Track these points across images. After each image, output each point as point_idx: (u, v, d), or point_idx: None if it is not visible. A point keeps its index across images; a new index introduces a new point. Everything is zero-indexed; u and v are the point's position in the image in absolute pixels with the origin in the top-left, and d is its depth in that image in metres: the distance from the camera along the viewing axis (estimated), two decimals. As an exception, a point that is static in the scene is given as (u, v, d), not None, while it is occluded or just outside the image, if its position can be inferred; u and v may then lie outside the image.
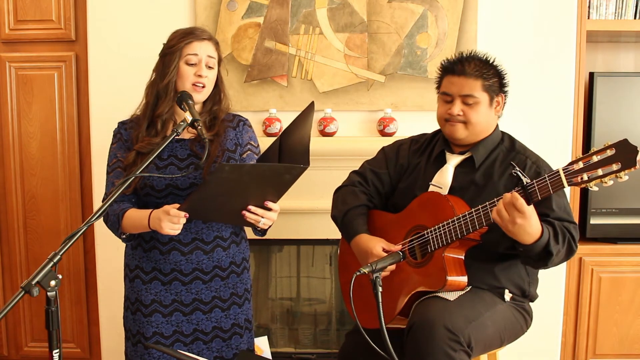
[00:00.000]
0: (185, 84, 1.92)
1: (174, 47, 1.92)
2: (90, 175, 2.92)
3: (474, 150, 1.97)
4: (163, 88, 1.93)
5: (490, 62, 1.96)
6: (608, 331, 2.91)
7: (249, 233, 2.13)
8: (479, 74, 1.91)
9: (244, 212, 1.77)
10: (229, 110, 2.07)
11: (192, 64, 1.92)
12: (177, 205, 1.77)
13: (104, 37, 2.81)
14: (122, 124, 2.04)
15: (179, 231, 1.79)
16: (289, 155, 1.82)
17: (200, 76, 1.92)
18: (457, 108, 1.93)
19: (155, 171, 1.93)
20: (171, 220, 1.75)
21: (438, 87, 2.02)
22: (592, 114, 2.87)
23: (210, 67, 1.95)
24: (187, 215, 1.76)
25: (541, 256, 1.76)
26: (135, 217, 1.87)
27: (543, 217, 1.78)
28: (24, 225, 3.03)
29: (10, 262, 3.06)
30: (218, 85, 2.02)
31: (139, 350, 1.97)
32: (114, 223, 1.90)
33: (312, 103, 1.83)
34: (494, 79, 1.93)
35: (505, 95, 1.99)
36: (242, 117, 2.08)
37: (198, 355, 1.98)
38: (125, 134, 2.00)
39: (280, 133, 1.94)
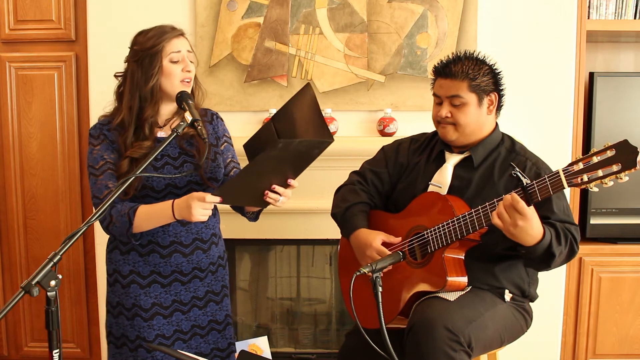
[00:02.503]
0: (173, 81, 1.90)
1: (155, 48, 1.88)
2: (90, 175, 2.92)
3: (473, 150, 1.96)
4: (148, 91, 1.89)
5: (483, 60, 1.95)
6: (608, 331, 2.91)
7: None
8: (465, 74, 1.90)
9: (266, 191, 1.79)
10: (202, 105, 2.06)
11: (175, 62, 1.90)
12: (202, 193, 1.77)
13: (104, 37, 2.81)
14: (101, 125, 1.97)
15: (207, 217, 1.80)
16: (301, 131, 1.83)
17: (188, 71, 1.92)
18: (445, 110, 1.93)
19: (153, 172, 1.92)
20: (204, 207, 1.76)
21: (432, 88, 2.03)
22: (592, 114, 2.87)
23: (191, 62, 1.95)
24: (222, 199, 1.77)
25: (544, 258, 1.75)
26: (152, 211, 1.85)
27: (544, 219, 1.77)
28: (24, 225, 3.03)
29: (10, 262, 3.06)
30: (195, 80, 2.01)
31: (140, 355, 1.95)
32: (124, 224, 1.84)
33: (308, 84, 1.83)
34: (484, 78, 1.91)
35: (499, 94, 1.97)
36: (212, 110, 2.11)
37: (196, 348, 2.00)
38: (109, 135, 1.94)
39: (271, 117, 1.93)
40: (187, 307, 2.00)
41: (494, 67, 1.96)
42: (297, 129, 1.84)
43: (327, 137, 1.77)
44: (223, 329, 2.06)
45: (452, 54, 1.99)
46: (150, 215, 1.85)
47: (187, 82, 1.92)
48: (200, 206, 1.76)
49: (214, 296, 2.04)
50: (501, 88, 1.97)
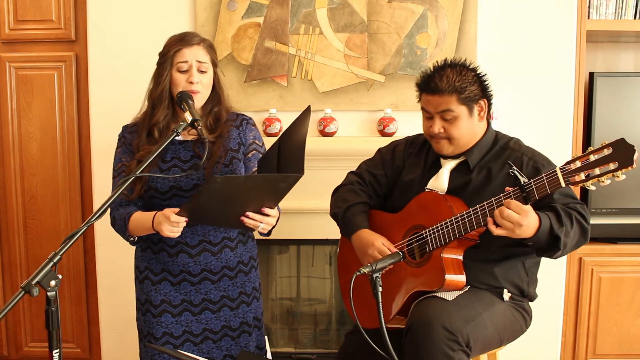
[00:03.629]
0: (179, 90, 1.91)
1: (166, 56, 1.93)
2: (90, 175, 2.92)
3: (468, 154, 1.94)
4: (157, 96, 1.94)
5: (465, 66, 1.91)
6: (608, 331, 2.91)
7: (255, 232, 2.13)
8: (453, 88, 1.86)
9: (242, 217, 1.79)
10: (231, 110, 2.07)
11: (183, 71, 1.92)
12: (177, 210, 1.79)
13: (104, 37, 2.82)
14: (125, 127, 2.05)
15: (178, 234, 1.82)
16: (286, 161, 1.84)
17: (191, 82, 1.91)
18: (437, 126, 1.90)
19: (156, 173, 1.94)
20: (171, 225, 1.79)
21: (419, 101, 1.98)
22: (592, 114, 2.87)
23: (202, 72, 1.94)
24: (188, 220, 1.79)
25: (550, 242, 1.75)
26: (140, 220, 1.90)
27: (547, 208, 1.78)
28: (24, 225, 3.03)
29: (10, 262, 3.06)
30: (216, 86, 2.01)
31: (150, 351, 1.99)
32: (121, 227, 1.93)
33: (309, 107, 1.84)
34: (472, 88, 1.87)
35: (488, 100, 1.93)
36: (245, 115, 2.09)
37: (208, 354, 2.00)
38: (129, 137, 2.01)
39: (280, 135, 1.94)
40: (197, 309, 2.00)
41: (478, 72, 1.92)
42: (290, 153, 1.84)
43: (295, 170, 1.75)
44: (237, 336, 2.03)
45: (434, 65, 1.94)
46: (138, 223, 1.90)
47: (193, 92, 1.91)
48: (168, 223, 1.78)
49: (229, 302, 2.02)
50: (489, 92, 1.94)
